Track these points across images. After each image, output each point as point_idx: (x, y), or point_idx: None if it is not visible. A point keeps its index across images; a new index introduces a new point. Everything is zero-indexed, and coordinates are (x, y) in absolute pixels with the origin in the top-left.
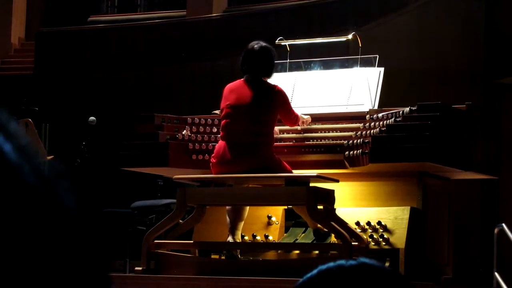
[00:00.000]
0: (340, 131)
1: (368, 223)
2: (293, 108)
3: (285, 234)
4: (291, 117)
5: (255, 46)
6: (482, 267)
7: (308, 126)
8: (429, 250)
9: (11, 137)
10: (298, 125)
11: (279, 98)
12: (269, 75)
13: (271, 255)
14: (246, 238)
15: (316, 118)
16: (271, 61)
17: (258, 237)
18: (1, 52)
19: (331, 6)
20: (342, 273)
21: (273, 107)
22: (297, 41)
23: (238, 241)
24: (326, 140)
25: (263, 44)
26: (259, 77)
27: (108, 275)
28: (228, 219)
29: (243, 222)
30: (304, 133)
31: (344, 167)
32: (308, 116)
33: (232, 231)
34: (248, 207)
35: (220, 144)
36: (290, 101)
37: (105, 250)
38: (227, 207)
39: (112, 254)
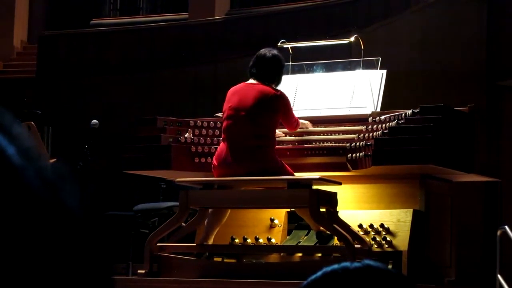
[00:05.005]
0: (343, 134)
1: (371, 226)
2: (294, 112)
3: (287, 237)
4: (291, 122)
5: (268, 53)
6: (483, 268)
7: (311, 129)
8: (432, 252)
9: (14, 140)
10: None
11: (281, 103)
12: (278, 83)
13: (273, 257)
14: (248, 241)
15: (319, 120)
16: (281, 70)
17: (260, 240)
18: (4, 55)
19: (333, 8)
20: (347, 275)
21: (275, 111)
22: (299, 44)
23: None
24: (329, 142)
25: (276, 52)
26: (265, 82)
27: (111, 278)
28: (207, 220)
29: (219, 227)
30: (306, 135)
31: (347, 170)
32: (308, 122)
33: (207, 234)
34: (229, 212)
35: (222, 146)
36: (292, 106)
37: (108, 253)
38: (209, 210)
39: (115, 257)
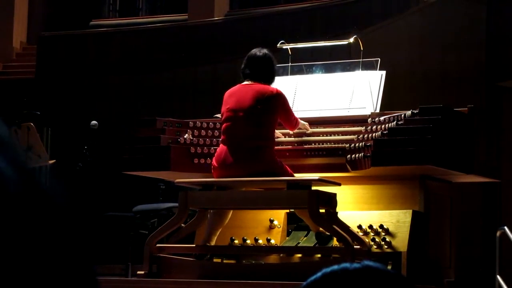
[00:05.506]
0: (342, 135)
1: (370, 227)
2: (294, 112)
3: (287, 238)
4: (291, 120)
5: (258, 52)
6: (482, 267)
7: (310, 130)
8: (431, 253)
9: None
10: (296, 129)
11: (279, 101)
12: (271, 82)
13: (273, 258)
14: (248, 241)
15: (318, 121)
16: (273, 68)
17: (260, 241)
18: (3, 56)
19: (332, 9)
20: (347, 276)
21: (273, 110)
22: (299, 45)
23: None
24: (328, 143)
25: (266, 51)
26: (260, 82)
27: (95, 278)
28: (208, 222)
29: (222, 228)
30: (305, 136)
31: (346, 171)
32: (306, 123)
33: (209, 235)
34: (231, 213)
35: (221, 147)
36: (290, 104)
37: (91, 252)
38: (211, 211)
39: (112, 257)
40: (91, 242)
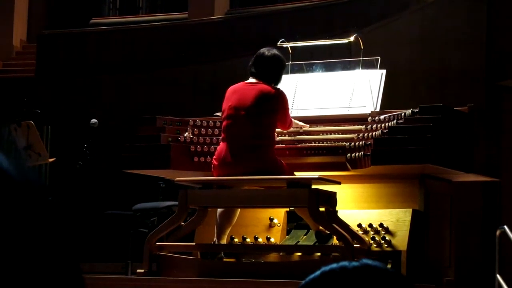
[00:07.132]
0: (342, 133)
1: (370, 225)
2: (294, 112)
3: (287, 236)
4: (286, 121)
5: (267, 52)
6: (482, 267)
7: (310, 129)
8: (431, 252)
9: None
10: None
11: (280, 102)
12: (277, 83)
13: (273, 257)
14: (248, 240)
15: (318, 120)
16: (281, 69)
17: (260, 239)
18: (3, 55)
19: (333, 8)
20: (345, 274)
21: (274, 110)
22: (299, 43)
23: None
24: (328, 142)
25: (276, 51)
26: (265, 81)
27: (79, 276)
28: (217, 221)
29: (231, 227)
30: (305, 135)
31: (346, 169)
32: (301, 123)
33: (219, 234)
34: (238, 211)
35: (222, 146)
36: (291, 105)
37: (75, 250)
38: (218, 210)
39: (112, 256)
40: (76, 235)
